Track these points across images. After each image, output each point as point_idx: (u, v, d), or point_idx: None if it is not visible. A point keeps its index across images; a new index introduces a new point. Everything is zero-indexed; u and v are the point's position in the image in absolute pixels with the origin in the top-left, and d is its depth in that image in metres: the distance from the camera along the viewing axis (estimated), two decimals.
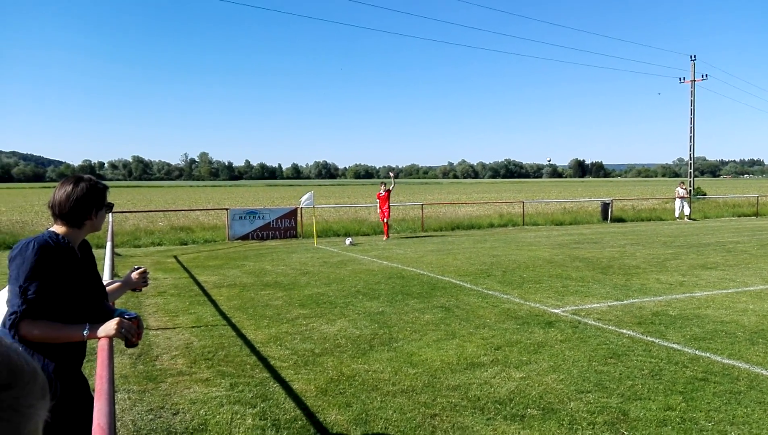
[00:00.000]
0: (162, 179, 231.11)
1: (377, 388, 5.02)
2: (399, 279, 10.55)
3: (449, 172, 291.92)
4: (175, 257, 14.25)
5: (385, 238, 18.45)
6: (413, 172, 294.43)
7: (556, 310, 7.93)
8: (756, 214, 29.67)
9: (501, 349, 6.15)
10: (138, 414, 4.51)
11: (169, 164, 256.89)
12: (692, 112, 32.45)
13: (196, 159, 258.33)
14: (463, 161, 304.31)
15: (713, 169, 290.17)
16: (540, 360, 5.77)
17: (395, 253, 14.64)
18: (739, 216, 29.29)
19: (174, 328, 7.17)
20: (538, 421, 4.33)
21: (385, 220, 18.49)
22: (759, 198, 31.75)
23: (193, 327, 7.20)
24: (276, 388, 5.06)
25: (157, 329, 7.07)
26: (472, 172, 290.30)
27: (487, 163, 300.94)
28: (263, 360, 5.85)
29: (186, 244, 17.52)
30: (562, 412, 4.50)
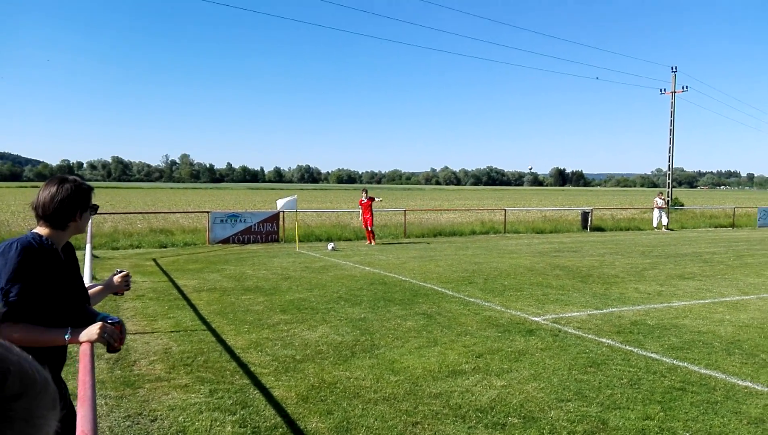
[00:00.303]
0: (142, 181, 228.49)
1: (359, 396, 5.00)
2: (381, 285, 10.54)
3: (432, 179, 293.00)
4: (154, 260, 14.08)
5: (370, 243, 18.45)
6: (396, 178, 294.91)
7: (536, 318, 7.98)
8: (732, 226, 30.23)
9: (482, 356, 6.16)
10: (115, 420, 4.43)
11: (149, 165, 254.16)
12: (672, 123, 33.00)
13: (177, 161, 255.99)
14: (446, 168, 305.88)
15: (690, 180, 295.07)
16: (521, 368, 5.79)
17: (377, 258, 14.63)
18: (716, 227, 29.82)
19: (152, 332, 7.07)
20: (519, 430, 4.35)
21: (369, 227, 18.49)
22: (735, 209, 32.37)
23: (172, 332, 7.11)
24: (256, 394, 5.01)
25: (135, 334, 6.96)
26: (455, 179, 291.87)
27: (470, 170, 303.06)
28: (243, 366, 5.79)
29: (165, 247, 17.32)
30: (543, 420, 4.52)
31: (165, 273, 11.94)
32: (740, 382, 5.44)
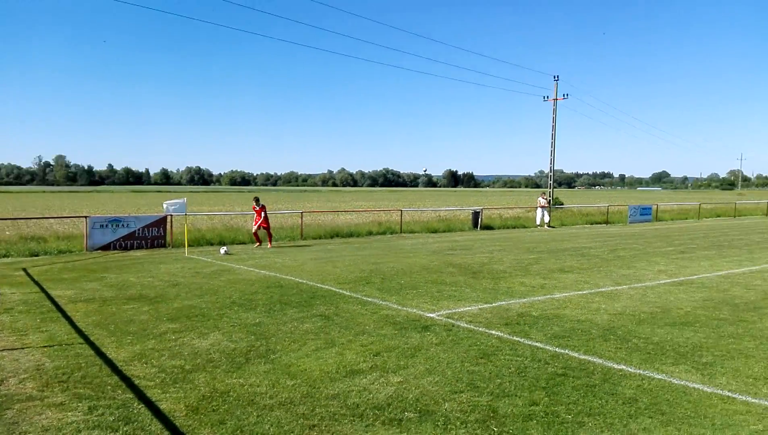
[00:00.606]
0: (11, 184, 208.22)
1: (253, 403, 4.84)
2: (277, 288, 10.32)
3: (329, 180, 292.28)
4: (24, 270, 12.87)
5: (259, 245, 18.10)
6: (292, 180, 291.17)
7: (431, 315, 8.18)
8: (606, 222, 32.84)
9: (380, 354, 6.20)
10: None
11: (19, 168, 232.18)
12: (554, 128, 35.28)
13: (51, 162, 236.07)
14: (343, 169, 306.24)
15: (569, 181, 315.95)
16: (417, 363, 5.90)
17: (273, 261, 14.33)
18: (592, 224, 32.25)
19: (22, 348, 6.43)
20: (415, 424, 4.41)
21: (266, 229, 18.12)
22: (609, 207, 35.20)
23: (45, 346, 6.51)
24: (141, 409, 4.70)
25: (3, 350, 6.30)
26: (352, 181, 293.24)
27: (366, 171, 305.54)
28: (126, 380, 5.41)
29: (37, 256, 15.89)
30: (438, 413, 4.62)
31: (36, 283, 10.94)
32: (615, 366, 5.89)
